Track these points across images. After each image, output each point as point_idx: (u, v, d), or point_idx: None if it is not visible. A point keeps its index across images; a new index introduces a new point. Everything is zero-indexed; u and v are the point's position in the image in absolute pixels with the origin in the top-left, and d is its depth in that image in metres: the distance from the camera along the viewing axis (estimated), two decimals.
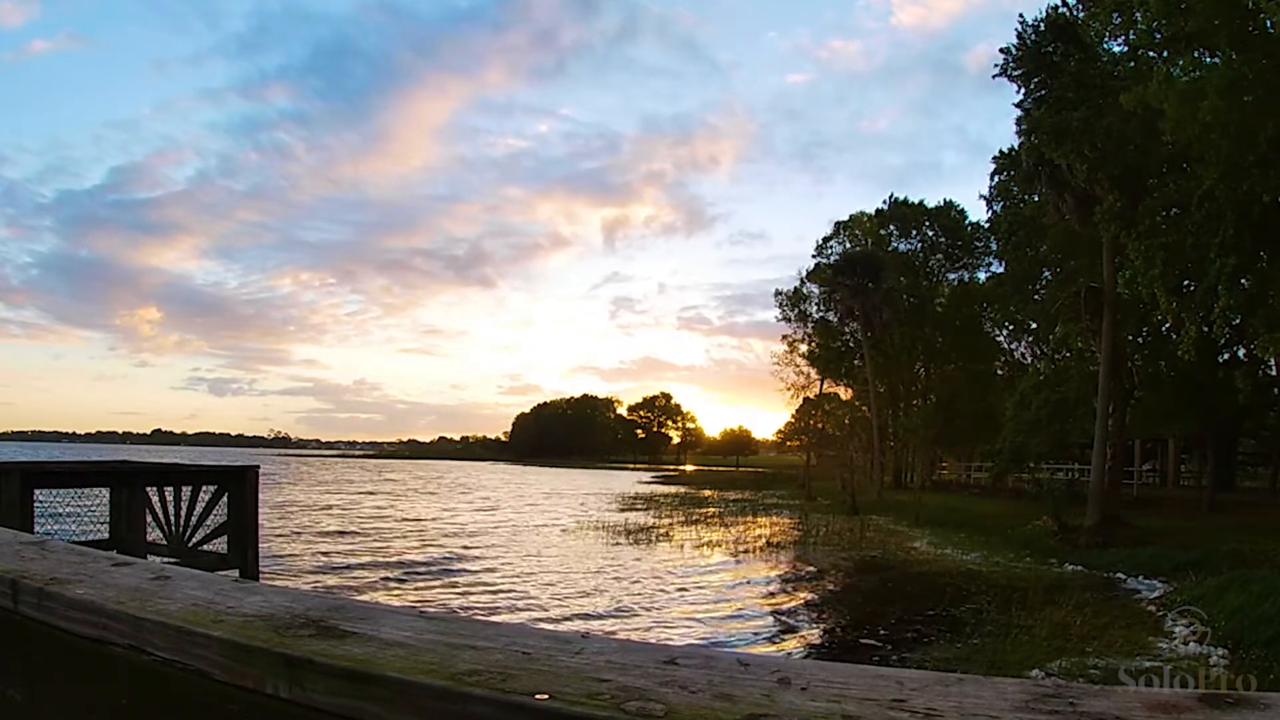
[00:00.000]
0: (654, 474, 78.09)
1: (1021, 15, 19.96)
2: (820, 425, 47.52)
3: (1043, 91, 19.51)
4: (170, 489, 8.12)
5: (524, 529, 23.07)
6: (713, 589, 13.98)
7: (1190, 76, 13.53)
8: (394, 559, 15.83)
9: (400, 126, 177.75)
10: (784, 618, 11.82)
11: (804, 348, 45.44)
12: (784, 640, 10.45)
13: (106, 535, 7.71)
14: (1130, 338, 23.61)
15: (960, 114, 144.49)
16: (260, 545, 15.56)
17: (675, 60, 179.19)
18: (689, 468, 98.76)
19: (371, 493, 38.08)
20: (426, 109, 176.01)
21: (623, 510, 30.39)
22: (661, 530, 23.10)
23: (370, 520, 23.77)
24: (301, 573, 13.68)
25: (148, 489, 7.94)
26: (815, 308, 43.85)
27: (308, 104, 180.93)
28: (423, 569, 14.77)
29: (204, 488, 8.16)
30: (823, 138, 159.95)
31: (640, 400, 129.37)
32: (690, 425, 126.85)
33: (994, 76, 20.55)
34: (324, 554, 16.07)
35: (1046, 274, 31.01)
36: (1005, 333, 39.10)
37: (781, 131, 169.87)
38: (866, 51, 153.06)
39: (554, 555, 17.46)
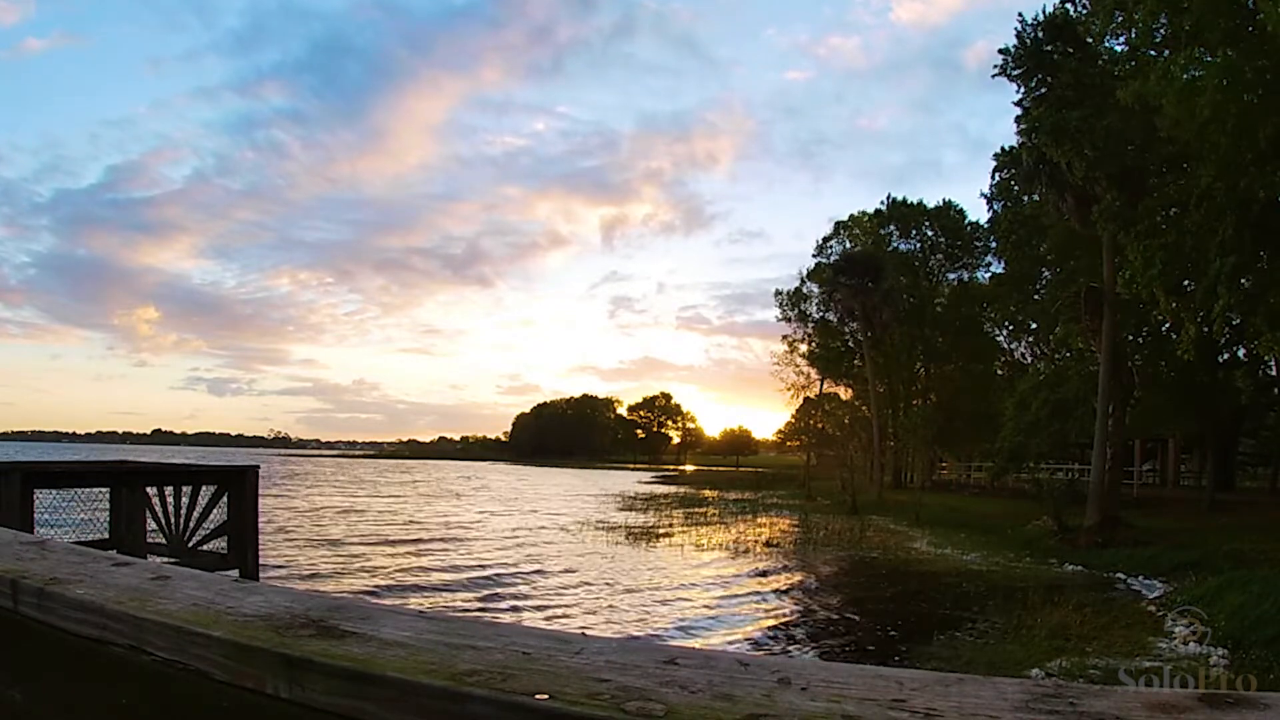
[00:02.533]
0: (654, 474, 78.08)
1: (1021, 15, 19.97)
2: (820, 425, 47.52)
3: (1042, 91, 19.49)
4: (170, 489, 8.11)
5: (570, 532, 22.37)
6: (712, 589, 13.98)
7: (1188, 72, 13.51)
8: (474, 571, 14.72)
9: (397, 125, 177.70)
10: (783, 617, 11.82)
11: (804, 348, 45.47)
12: (783, 640, 10.45)
13: (106, 535, 7.71)
14: (1130, 338, 23.60)
15: (960, 111, 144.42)
16: (314, 558, 15.25)
17: (673, 57, 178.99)
18: (689, 468, 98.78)
19: (398, 495, 37.49)
20: (423, 107, 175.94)
21: (632, 510, 30.28)
22: (664, 530, 23.20)
23: (416, 526, 22.89)
24: (387, 590, 12.57)
25: (148, 489, 7.94)
26: (815, 308, 43.88)
27: (304, 102, 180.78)
28: (508, 580, 13.90)
29: (204, 488, 8.15)
30: (822, 135, 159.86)
31: (640, 400, 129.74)
32: (690, 425, 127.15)
33: (993, 76, 20.53)
34: (397, 567, 14.91)
35: (1046, 274, 31.04)
36: (1005, 333, 39.13)
37: (780, 129, 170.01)
38: (865, 48, 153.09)
39: (616, 562, 16.87)
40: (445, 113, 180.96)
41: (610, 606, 11.98)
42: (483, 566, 15.29)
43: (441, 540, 19.39)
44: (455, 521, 24.84)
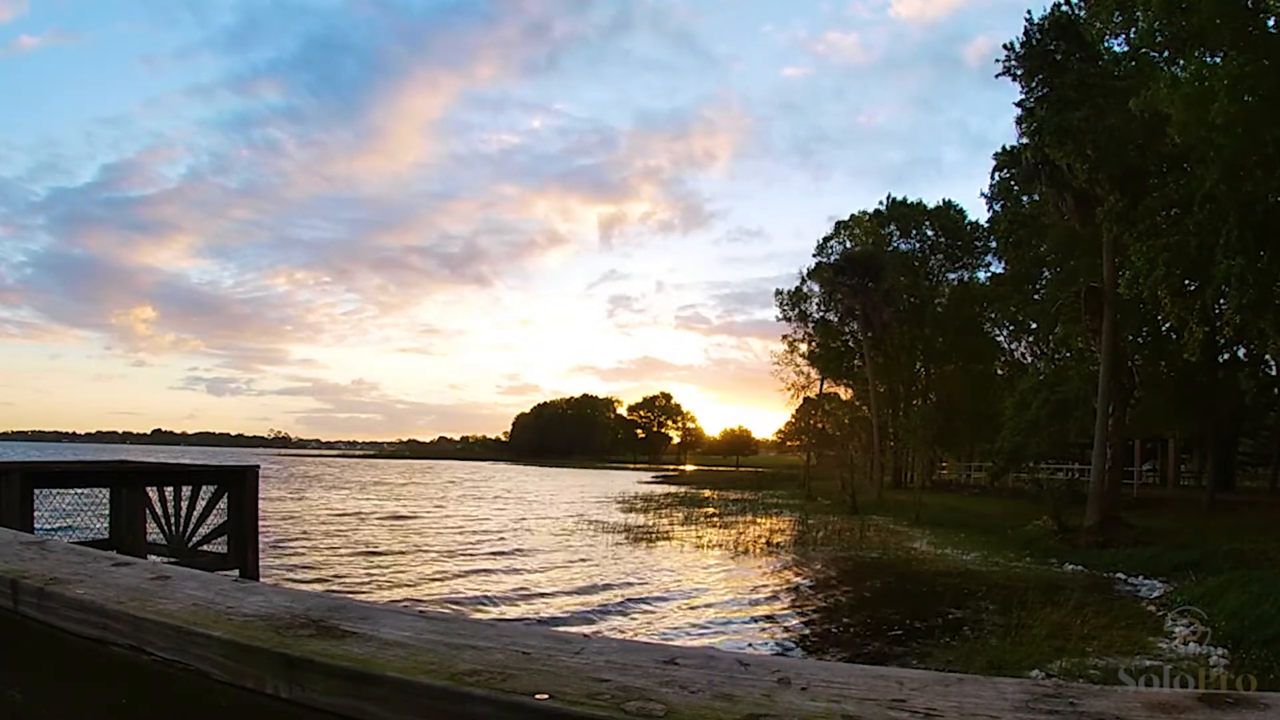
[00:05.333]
0: (655, 474, 77.93)
1: (1029, 13, 19.94)
2: (820, 425, 47.54)
3: (1045, 90, 19.47)
4: (170, 489, 8.11)
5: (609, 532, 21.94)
6: (711, 588, 13.98)
7: (1194, 78, 13.45)
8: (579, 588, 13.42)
9: (392, 122, 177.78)
10: (783, 618, 11.81)
11: (804, 347, 45.48)
12: (783, 640, 10.45)
13: (106, 535, 7.71)
14: (1130, 338, 23.59)
15: (960, 108, 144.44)
16: (376, 570, 14.18)
17: (671, 53, 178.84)
18: (689, 468, 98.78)
19: (420, 497, 36.70)
20: (418, 104, 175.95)
21: (636, 511, 30.20)
22: (664, 530, 23.22)
23: (463, 532, 21.62)
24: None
25: (148, 489, 7.94)
26: (815, 307, 43.86)
27: (299, 99, 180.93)
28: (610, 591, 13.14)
29: (204, 488, 8.15)
30: (821, 133, 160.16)
31: (640, 400, 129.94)
32: (690, 425, 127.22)
33: (997, 76, 20.55)
34: (481, 584, 13.29)
35: (1046, 274, 31.02)
36: (1005, 333, 39.12)
37: (779, 127, 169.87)
38: (864, 44, 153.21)
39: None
40: (441, 110, 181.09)
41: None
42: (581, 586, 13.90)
43: (504, 551, 18.13)
44: (502, 527, 23.69)
